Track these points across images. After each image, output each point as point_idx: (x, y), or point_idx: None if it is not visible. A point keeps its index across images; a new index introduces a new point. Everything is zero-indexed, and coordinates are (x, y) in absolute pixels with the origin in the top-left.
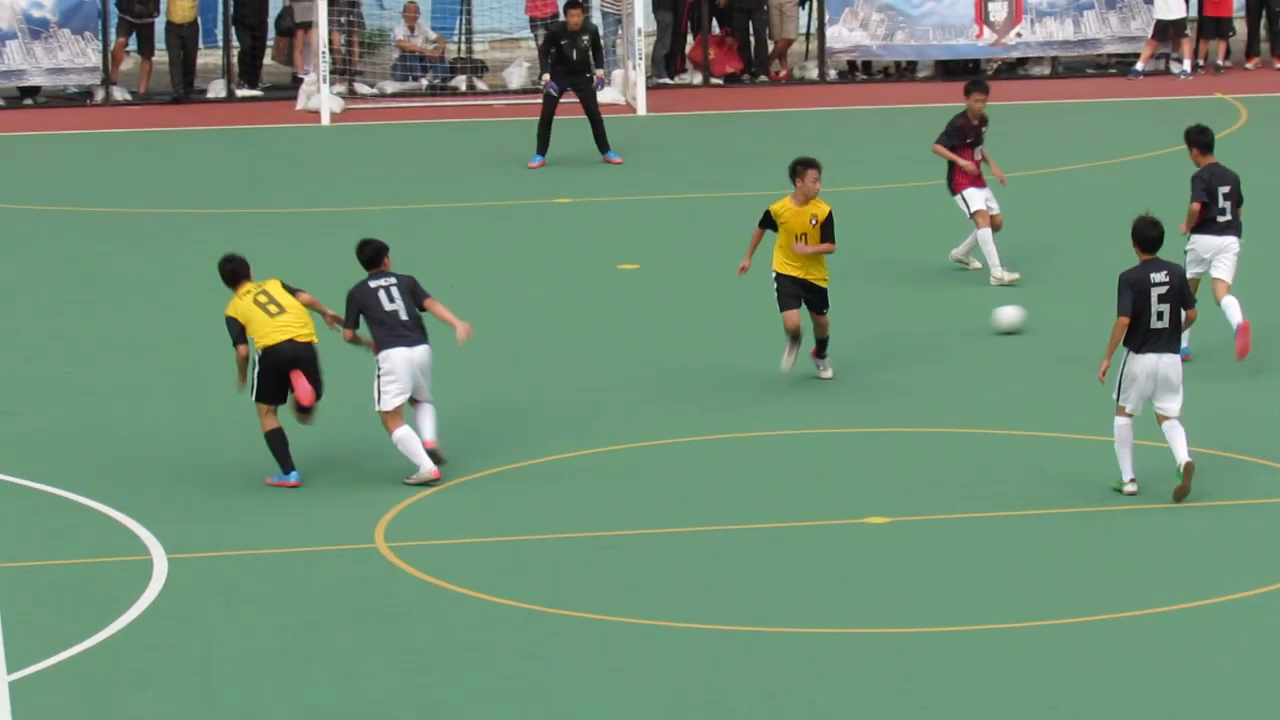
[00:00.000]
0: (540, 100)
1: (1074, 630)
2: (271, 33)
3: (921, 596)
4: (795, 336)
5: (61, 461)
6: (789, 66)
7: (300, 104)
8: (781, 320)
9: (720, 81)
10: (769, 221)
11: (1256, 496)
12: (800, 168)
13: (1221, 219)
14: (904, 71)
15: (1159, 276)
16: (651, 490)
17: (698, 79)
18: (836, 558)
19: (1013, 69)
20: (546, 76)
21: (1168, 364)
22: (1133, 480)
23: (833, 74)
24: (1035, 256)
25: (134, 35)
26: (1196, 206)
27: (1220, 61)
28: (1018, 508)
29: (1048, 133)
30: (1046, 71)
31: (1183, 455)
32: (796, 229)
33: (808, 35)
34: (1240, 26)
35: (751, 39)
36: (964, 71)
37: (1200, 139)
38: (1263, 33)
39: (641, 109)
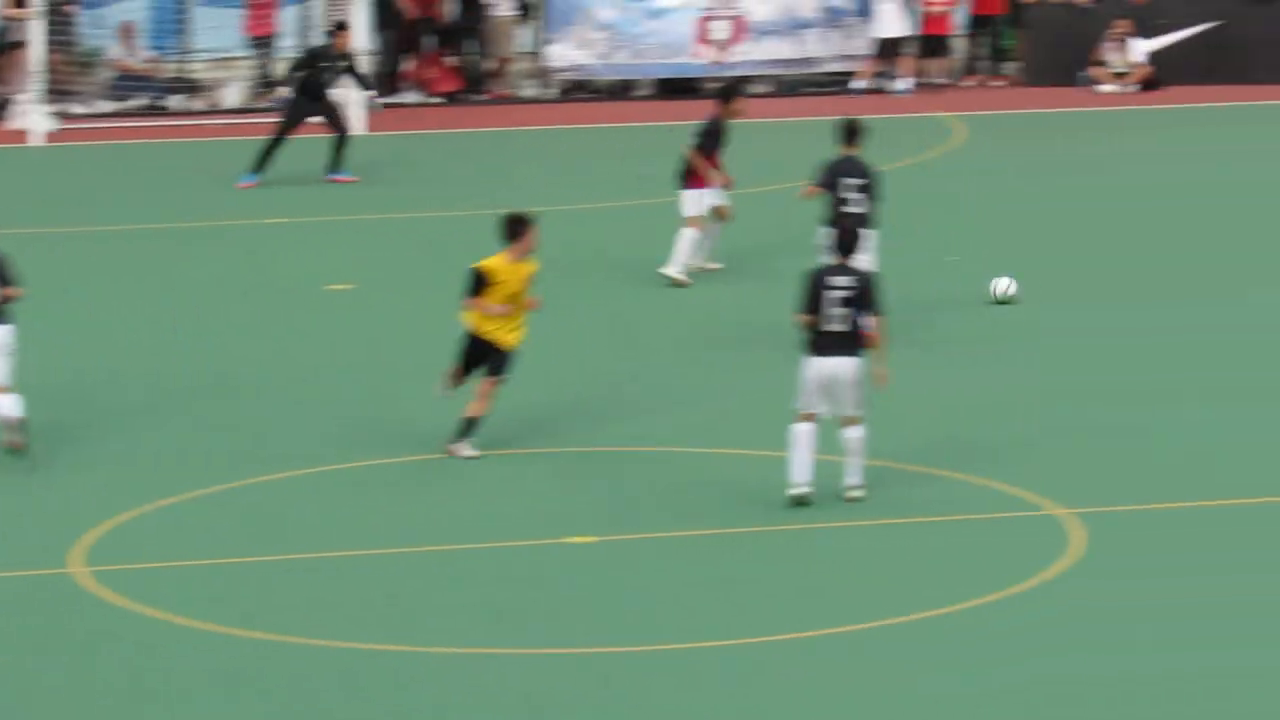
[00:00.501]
0: (273, 119)
1: (782, 647)
2: None
3: (626, 615)
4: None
5: None
6: (509, 85)
7: (13, 124)
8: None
9: (440, 100)
10: (482, 282)
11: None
12: (522, 226)
13: (848, 210)
14: (624, 90)
15: (840, 280)
16: (357, 511)
17: (416, 98)
18: (539, 578)
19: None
20: (284, 91)
21: (845, 367)
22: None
23: (553, 92)
24: (758, 268)
25: None
26: (810, 189)
27: (940, 79)
28: (721, 525)
29: (768, 150)
30: (768, 90)
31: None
32: (512, 288)
33: (529, 53)
34: (959, 44)
35: (472, 57)
36: (684, 90)
37: (841, 131)
38: (982, 50)
39: (361, 128)
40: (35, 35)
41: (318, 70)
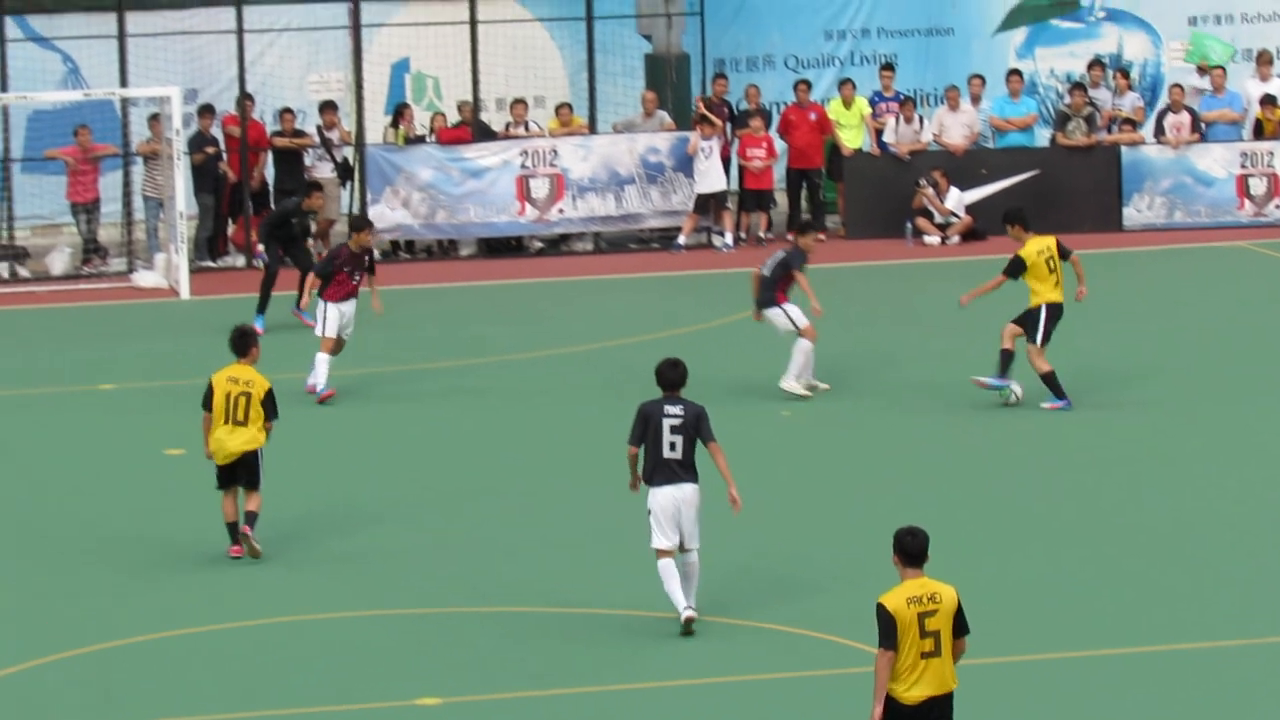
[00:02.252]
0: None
1: None
2: None
3: None
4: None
5: None
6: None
7: None
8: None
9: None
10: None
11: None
12: (247, 340)
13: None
14: (447, 250)
15: (673, 409)
16: (190, 678)
17: (240, 261)
18: None
19: (556, 245)
20: (261, 247)
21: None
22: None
23: (375, 254)
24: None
25: None
26: None
27: (762, 233)
28: (565, 686)
29: (591, 308)
30: (590, 247)
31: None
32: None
33: (349, 215)
34: (781, 198)
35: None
36: (508, 249)
37: None
38: (804, 204)
39: (184, 293)
40: None
41: (289, 225)
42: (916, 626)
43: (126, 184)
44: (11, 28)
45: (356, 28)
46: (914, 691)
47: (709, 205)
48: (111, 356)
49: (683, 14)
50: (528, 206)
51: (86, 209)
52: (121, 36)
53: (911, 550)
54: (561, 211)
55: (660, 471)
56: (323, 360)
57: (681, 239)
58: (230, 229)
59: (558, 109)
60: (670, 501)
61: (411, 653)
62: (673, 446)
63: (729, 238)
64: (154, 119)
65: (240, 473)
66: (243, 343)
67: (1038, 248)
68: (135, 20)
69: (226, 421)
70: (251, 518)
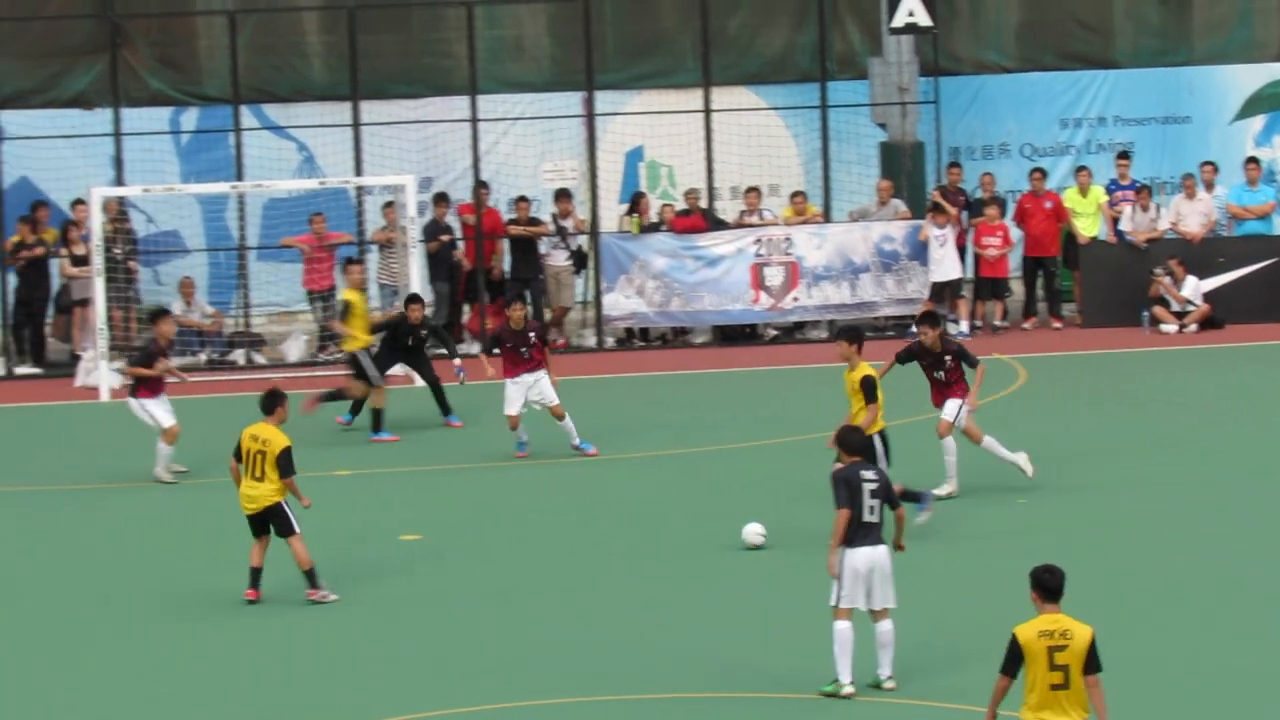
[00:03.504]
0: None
1: None
2: (50, 309)
3: None
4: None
5: None
6: (567, 334)
7: (79, 380)
8: None
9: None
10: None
11: None
12: (276, 399)
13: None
14: (680, 337)
15: (869, 474)
16: None
17: (475, 348)
18: None
19: (791, 333)
20: (459, 364)
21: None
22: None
23: (610, 341)
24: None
25: None
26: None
27: (997, 322)
28: None
29: (826, 396)
30: (824, 335)
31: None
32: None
33: (584, 303)
34: (1016, 287)
35: (529, 307)
36: (741, 336)
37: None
38: (1039, 292)
39: (419, 380)
40: (99, 293)
41: (395, 338)
42: (1045, 659)
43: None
44: (248, 117)
45: (590, 116)
46: None
47: (944, 293)
48: (348, 442)
49: (918, 102)
50: (762, 294)
51: (322, 296)
52: (356, 125)
53: (1049, 586)
54: (796, 300)
55: (861, 534)
56: (515, 434)
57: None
58: (465, 316)
59: (792, 197)
60: (866, 563)
61: None
62: (872, 510)
63: (964, 325)
64: (388, 207)
65: (269, 523)
66: (269, 402)
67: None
68: (370, 109)
69: (247, 476)
70: (311, 577)
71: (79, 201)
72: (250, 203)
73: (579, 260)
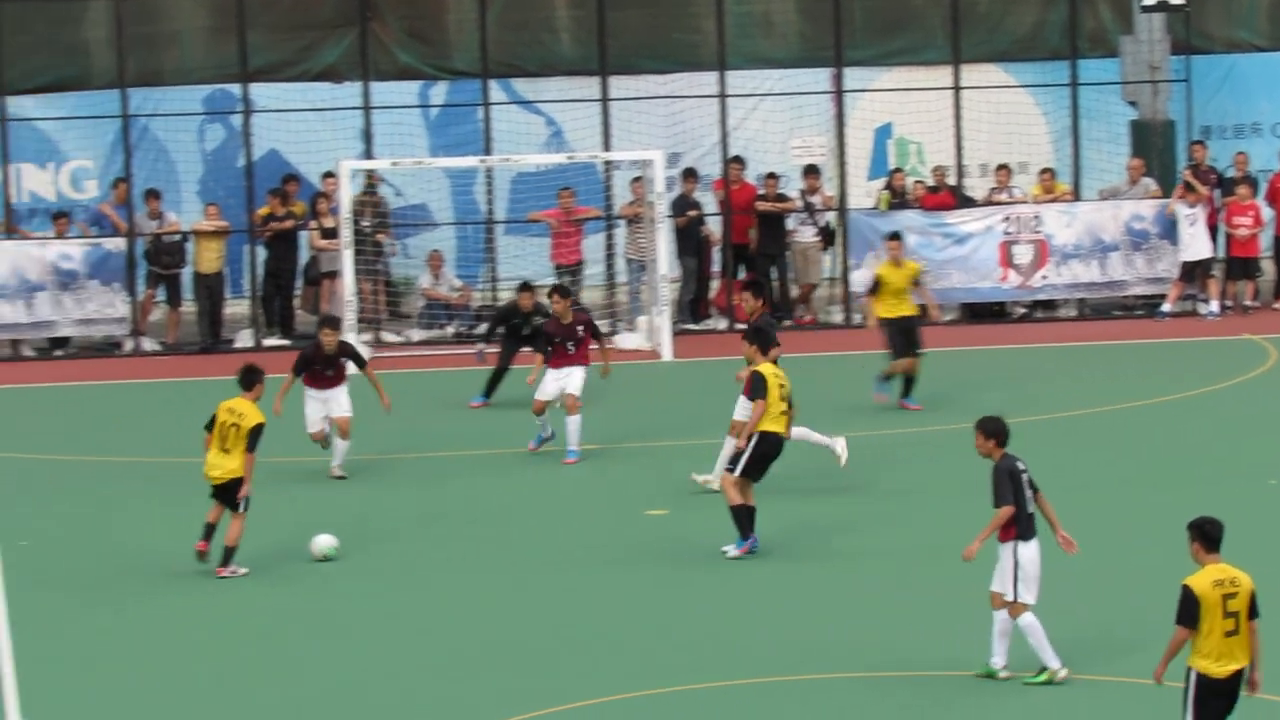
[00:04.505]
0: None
1: None
2: (299, 282)
3: None
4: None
5: None
6: (814, 311)
7: None
8: None
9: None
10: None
11: None
12: (254, 375)
13: None
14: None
15: (1022, 465)
16: None
17: (723, 324)
18: None
19: (1038, 310)
20: (482, 346)
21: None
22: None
23: (858, 318)
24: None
25: (162, 286)
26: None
27: (1248, 302)
28: None
29: (1077, 374)
30: (1074, 313)
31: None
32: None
33: (831, 279)
34: (1268, 266)
35: (776, 284)
36: (990, 314)
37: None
38: None
39: (667, 354)
40: (347, 265)
41: (510, 327)
42: (1220, 608)
43: (609, 246)
44: (496, 91)
45: (839, 93)
46: (1226, 667)
47: (1195, 273)
48: (592, 418)
49: (1169, 80)
50: (1011, 272)
51: (570, 270)
52: (605, 100)
53: (1213, 535)
54: (1045, 278)
55: (1026, 526)
56: (537, 421)
57: (1166, 306)
58: (712, 292)
59: (1041, 174)
60: (1038, 555)
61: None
62: (1031, 500)
63: (1214, 305)
64: (636, 182)
65: (226, 496)
66: (247, 378)
67: (773, 370)
68: (618, 84)
69: (215, 447)
70: (227, 554)
71: (328, 174)
72: (498, 177)
73: (827, 237)
